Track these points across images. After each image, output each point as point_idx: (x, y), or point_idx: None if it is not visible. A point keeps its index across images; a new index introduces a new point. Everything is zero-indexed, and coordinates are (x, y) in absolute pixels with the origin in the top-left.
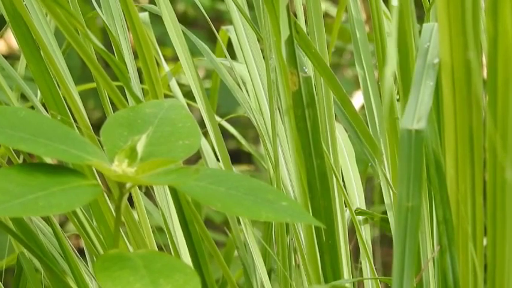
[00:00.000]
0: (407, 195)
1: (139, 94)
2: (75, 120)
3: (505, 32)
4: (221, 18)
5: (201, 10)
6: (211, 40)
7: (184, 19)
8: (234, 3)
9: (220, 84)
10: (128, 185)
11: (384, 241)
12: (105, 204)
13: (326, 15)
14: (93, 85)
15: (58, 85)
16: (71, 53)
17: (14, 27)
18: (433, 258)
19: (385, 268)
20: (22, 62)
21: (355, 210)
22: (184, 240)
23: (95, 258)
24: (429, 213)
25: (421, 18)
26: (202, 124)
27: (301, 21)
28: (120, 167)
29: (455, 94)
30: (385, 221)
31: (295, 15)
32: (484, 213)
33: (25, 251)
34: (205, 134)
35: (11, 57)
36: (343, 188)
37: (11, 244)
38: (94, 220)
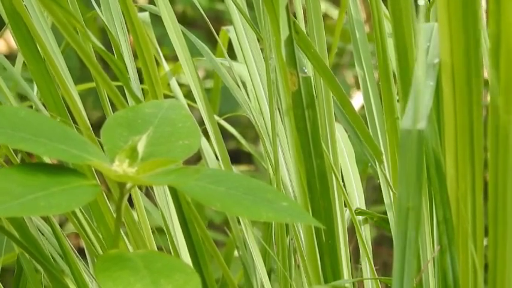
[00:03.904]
0: (407, 195)
1: (139, 94)
2: (74, 121)
3: (508, 30)
4: (220, 18)
5: (199, 10)
6: (211, 40)
7: (183, 19)
8: (234, 3)
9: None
10: (128, 185)
11: (384, 241)
12: (105, 204)
13: (325, 16)
14: (92, 85)
15: (58, 85)
16: (69, 53)
17: (13, 27)
18: (433, 258)
19: (385, 268)
20: (19, 62)
21: (355, 210)
22: (184, 241)
23: (95, 259)
24: (429, 213)
25: None
26: (202, 124)
27: (301, 22)
28: (121, 167)
29: (455, 94)
30: (385, 221)
31: (295, 16)
32: (485, 213)
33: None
34: (206, 134)
35: (11, 57)
36: (343, 188)
37: (10, 243)
38: (94, 221)
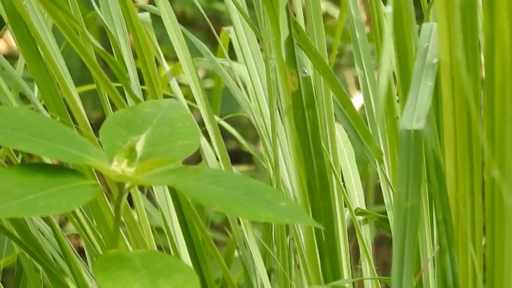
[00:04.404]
0: (407, 195)
1: (139, 94)
2: (74, 121)
3: (502, 29)
4: (220, 18)
5: (199, 10)
6: (210, 40)
7: (182, 19)
8: (234, 3)
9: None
10: (127, 185)
11: (384, 241)
12: (105, 204)
13: (325, 15)
14: (92, 87)
15: (58, 85)
16: (70, 53)
17: (14, 28)
18: (433, 258)
19: (385, 268)
20: (21, 62)
21: (355, 210)
22: (184, 241)
23: (94, 259)
24: (429, 213)
25: (420, 18)
26: (202, 124)
27: (301, 21)
28: (119, 167)
29: (454, 94)
30: (385, 221)
31: (295, 15)
32: (482, 213)
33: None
34: (206, 134)
35: (11, 57)
36: (343, 188)
37: (10, 243)
38: (94, 221)
